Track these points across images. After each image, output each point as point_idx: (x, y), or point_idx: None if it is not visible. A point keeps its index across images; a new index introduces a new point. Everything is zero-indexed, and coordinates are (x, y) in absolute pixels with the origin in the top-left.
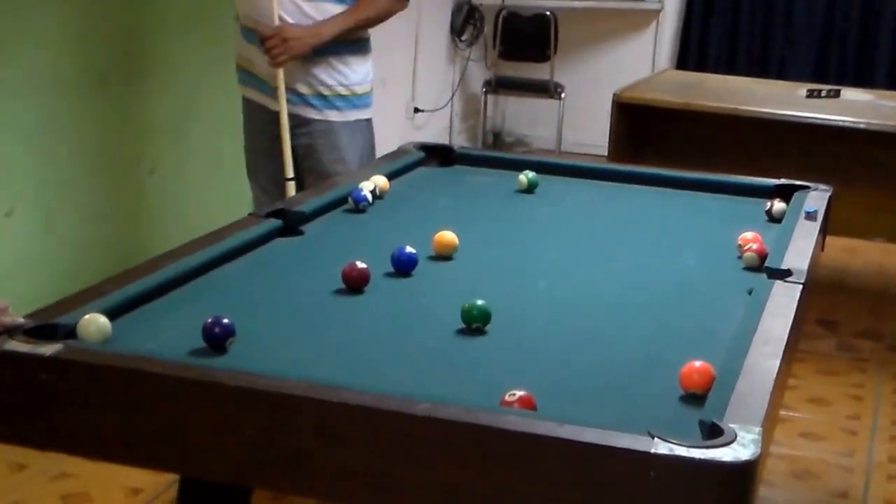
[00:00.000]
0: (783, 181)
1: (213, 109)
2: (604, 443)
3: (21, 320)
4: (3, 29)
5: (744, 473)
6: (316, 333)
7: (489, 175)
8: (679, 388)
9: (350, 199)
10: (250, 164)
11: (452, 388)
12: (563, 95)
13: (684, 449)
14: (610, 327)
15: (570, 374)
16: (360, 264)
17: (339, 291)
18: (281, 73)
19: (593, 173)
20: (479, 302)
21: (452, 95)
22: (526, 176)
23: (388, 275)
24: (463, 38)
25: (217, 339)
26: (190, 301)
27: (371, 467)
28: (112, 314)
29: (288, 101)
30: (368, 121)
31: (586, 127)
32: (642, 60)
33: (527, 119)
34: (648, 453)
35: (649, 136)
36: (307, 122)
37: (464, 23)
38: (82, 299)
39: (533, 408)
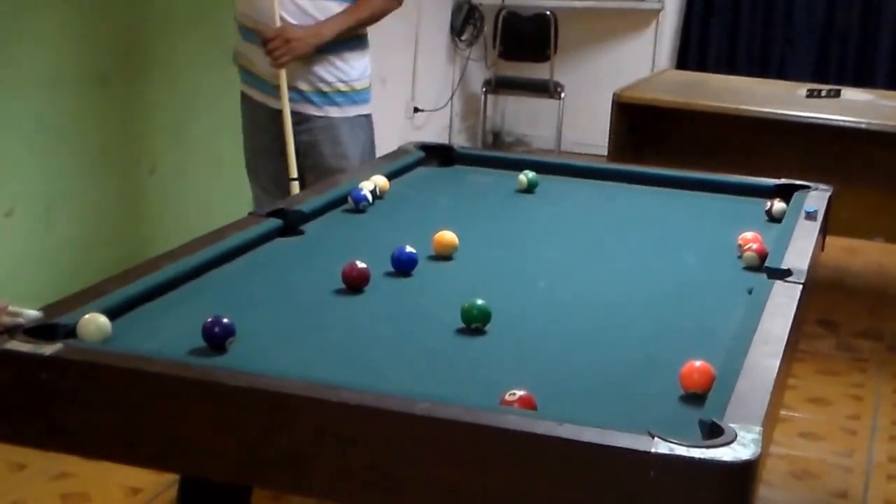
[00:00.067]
0: (783, 181)
1: (214, 109)
2: (604, 442)
3: (34, 313)
4: (3, 29)
5: (744, 473)
6: (316, 333)
7: (489, 175)
8: (679, 388)
9: (350, 199)
10: (250, 164)
11: (452, 387)
12: (562, 95)
13: (684, 448)
14: (610, 327)
15: (569, 373)
16: (360, 264)
17: (338, 291)
18: (283, 73)
19: (593, 173)
20: (479, 302)
21: (452, 95)
22: (526, 176)
23: (388, 274)
24: (463, 37)
25: (217, 338)
26: (190, 301)
27: (371, 467)
28: (112, 314)
29: (288, 98)
30: (368, 116)
31: (586, 127)
32: (642, 60)
33: (527, 119)
34: (648, 453)
35: (649, 136)
36: (308, 119)
37: (464, 22)
38: (82, 299)
39: (533, 407)
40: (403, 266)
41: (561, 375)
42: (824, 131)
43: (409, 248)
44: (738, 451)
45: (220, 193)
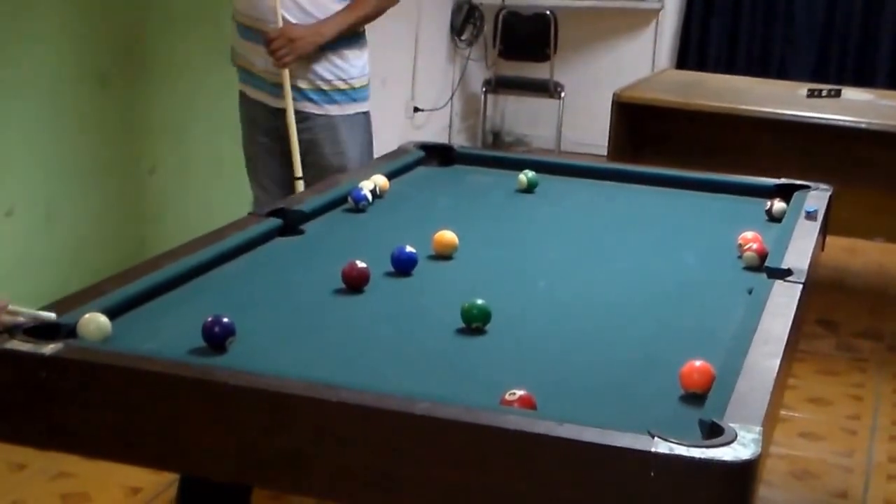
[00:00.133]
0: (783, 181)
1: (214, 109)
2: (604, 442)
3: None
4: (3, 29)
5: (744, 473)
6: (316, 333)
7: (489, 174)
8: (679, 388)
9: (350, 199)
10: (249, 163)
11: (452, 387)
12: (562, 95)
13: (684, 448)
14: (610, 327)
15: (569, 373)
16: (360, 264)
17: (338, 291)
18: (287, 73)
19: (593, 173)
20: (479, 301)
21: (452, 95)
22: (526, 175)
23: (388, 274)
24: (463, 37)
25: (217, 338)
26: (190, 300)
27: (371, 467)
28: (112, 313)
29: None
30: (366, 114)
31: (586, 126)
32: (642, 60)
33: (526, 118)
34: (648, 452)
35: (649, 136)
36: (307, 117)
37: (464, 22)
38: (82, 298)
39: (533, 407)
40: (403, 266)
41: (561, 375)
42: (824, 131)
43: (409, 248)
44: (738, 450)
45: (220, 193)
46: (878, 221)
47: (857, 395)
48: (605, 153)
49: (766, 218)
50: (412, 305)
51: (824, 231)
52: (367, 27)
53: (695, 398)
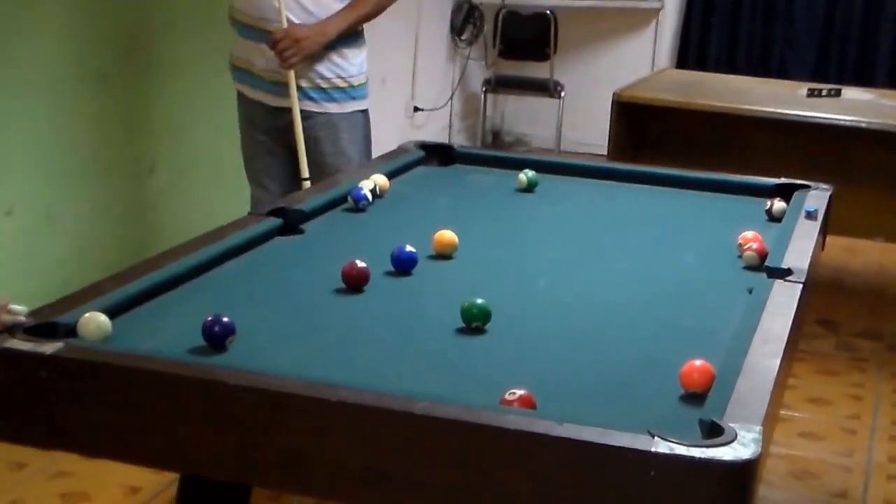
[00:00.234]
0: (783, 180)
1: (214, 109)
2: (604, 441)
3: (22, 318)
4: (3, 28)
5: (744, 473)
6: (316, 332)
7: (489, 174)
8: (679, 388)
9: (350, 198)
10: (248, 163)
11: (452, 387)
12: (562, 94)
13: (684, 448)
14: (610, 326)
15: (569, 373)
16: (360, 263)
17: (338, 290)
18: (293, 74)
19: (593, 172)
20: (479, 301)
21: (452, 94)
22: (526, 175)
23: (388, 274)
24: (463, 37)
25: (217, 337)
26: (190, 299)
27: (370, 466)
28: (112, 312)
29: (287, 95)
30: (365, 112)
31: (586, 126)
32: (642, 60)
33: (526, 118)
34: (648, 452)
35: (649, 136)
36: (308, 115)
37: (464, 22)
38: (82, 298)
39: (533, 407)
40: (403, 265)
41: (561, 375)
42: (824, 131)
43: (408, 248)
44: (738, 450)
45: (220, 193)
46: (878, 221)
47: (856, 395)
48: (605, 153)
49: (766, 218)
50: (412, 305)
51: (824, 231)
52: (367, 26)
53: (695, 398)
